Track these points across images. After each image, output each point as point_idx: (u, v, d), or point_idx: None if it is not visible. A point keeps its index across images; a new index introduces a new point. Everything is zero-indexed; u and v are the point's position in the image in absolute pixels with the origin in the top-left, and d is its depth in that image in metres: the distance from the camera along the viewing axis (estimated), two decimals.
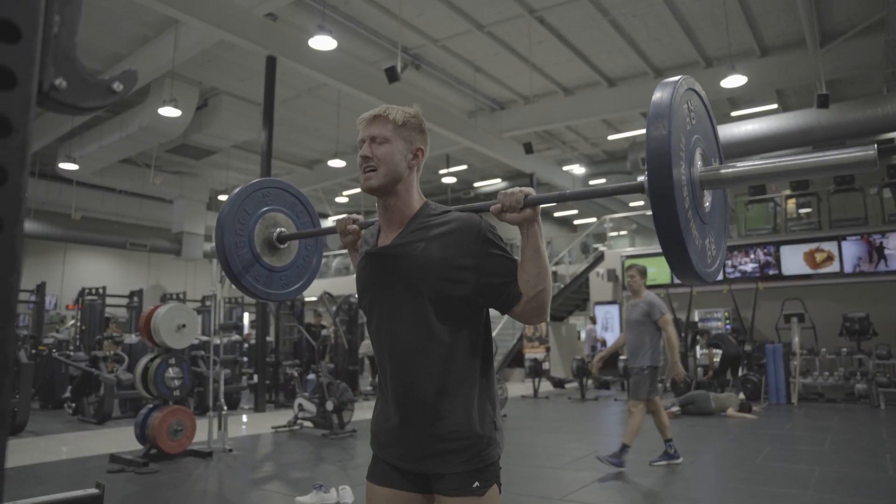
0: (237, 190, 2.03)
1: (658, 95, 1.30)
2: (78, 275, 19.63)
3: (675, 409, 8.81)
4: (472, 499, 1.50)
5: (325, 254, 19.94)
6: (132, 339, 9.53)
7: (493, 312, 1.66)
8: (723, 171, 1.37)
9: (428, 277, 1.51)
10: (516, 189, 1.50)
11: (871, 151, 1.21)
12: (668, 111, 1.26)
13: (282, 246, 2.08)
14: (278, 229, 2.07)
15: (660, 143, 1.25)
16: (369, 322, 1.65)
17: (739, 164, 1.36)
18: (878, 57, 10.66)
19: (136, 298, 12.46)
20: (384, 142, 1.57)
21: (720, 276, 9.52)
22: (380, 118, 1.59)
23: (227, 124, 13.11)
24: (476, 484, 1.51)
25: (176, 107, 10.88)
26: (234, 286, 2.03)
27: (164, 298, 13.62)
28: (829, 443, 6.51)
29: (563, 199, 1.57)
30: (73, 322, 13.84)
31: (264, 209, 2.06)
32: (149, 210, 19.73)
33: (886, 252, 11.45)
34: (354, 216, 1.85)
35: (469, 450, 1.51)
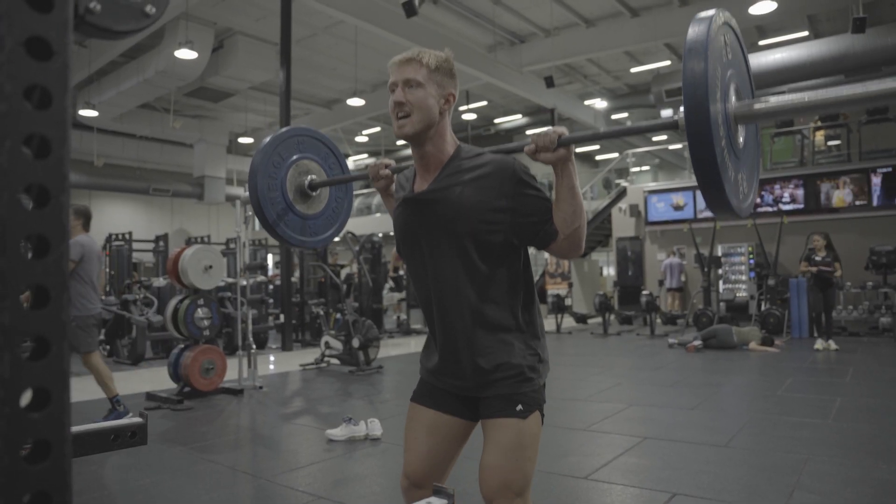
0: (272, 135, 2.05)
1: (694, 30, 1.28)
2: (104, 222, 19.93)
3: (698, 342, 8.86)
4: (514, 420, 1.58)
5: None
6: (160, 282, 9.74)
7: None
8: (756, 105, 1.35)
9: (465, 220, 1.55)
10: (549, 129, 1.50)
11: None
12: (705, 45, 1.24)
13: (313, 193, 2.10)
14: (310, 176, 2.10)
15: (697, 78, 1.22)
16: (409, 265, 1.70)
17: (773, 98, 1.33)
18: None
19: (161, 243, 12.67)
20: (417, 86, 1.57)
21: None
22: (413, 61, 1.58)
23: (243, 65, 12.97)
24: (519, 407, 1.58)
25: (192, 49, 10.77)
26: (268, 234, 2.07)
27: (189, 242, 13.82)
28: (851, 375, 6.53)
29: (598, 138, 1.57)
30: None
31: (297, 156, 2.08)
32: (170, 155, 19.81)
33: None
34: (386, 161, 1.86)
35: (513, 378, 1.59)
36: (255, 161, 1.99)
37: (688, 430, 4.42)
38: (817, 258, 8.30)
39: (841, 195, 11.83)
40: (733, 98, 1.37)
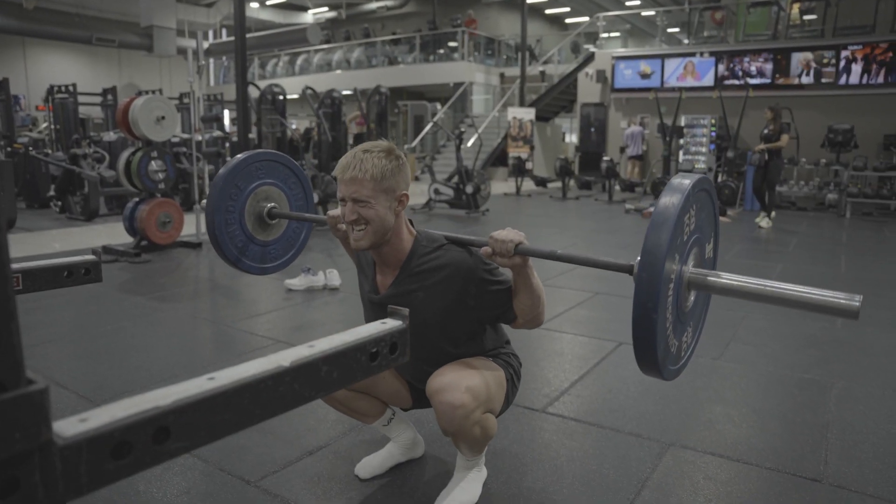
0: (228, 167, 1.93)
1: (665, 201, 1.27)
2: (43, 74, 18.74)
3: (653, 209, 9.06)
4: (482, 357, 1.74)
5: (307, 49, 18.99)
6: (111, 136, 9.33)
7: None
8: (710, 278, 1.36)
9: (430, 325, 1.66)
10: (507, 236, 1.50)
11: (854, 303, 1.20)
12: (674, 218, 1.24)
13: (272, 222, 2.05)
14: (270, 204, 2.02)
15: (658, 247, 1.23)
16: None
17: (725, 276, 1.34)
18: None
19: (109, 96, 12.00)
20: (366, 202, 1.55)
21: (711, 82, 9.17)
22: (357, 181, 1.54)
23: None
24: (489, 355, 1.77)
25: None
26: (231, 266, 2.02)
27: (140, 95, 13.14)
28: (794, 245, 6.84)
29: (554, 258, 1.54)
30: (45, 124, 13.45)
31: (255, 184, 1.99)
32: (112, 1, 18.29)
33: (889, 64, 11.09)
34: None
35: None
36: (211, 197, 1.91)
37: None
38: (765, 131, 8.19)
39: (805, 70, 11.75)
40: (691, 263, 1.37)
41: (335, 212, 1.79)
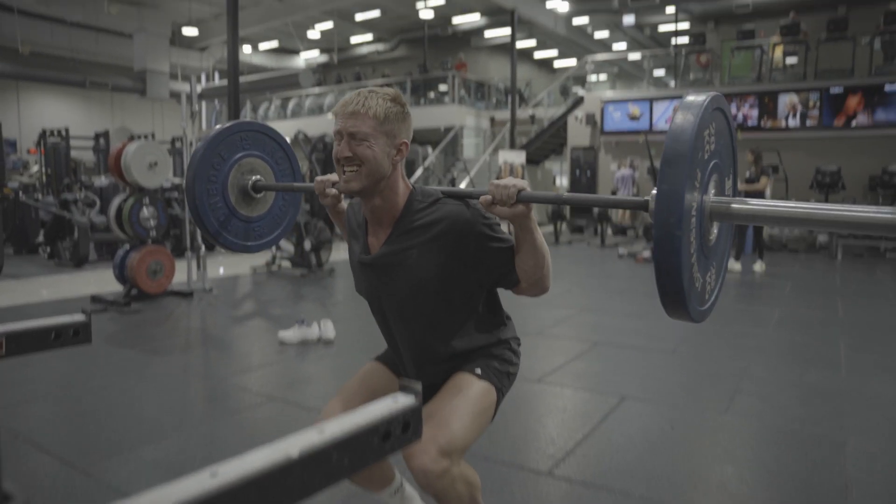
0: (211, 134, 1.85)
1: (680, 119, 1.14)
2: (36, 117, 18.76)
3: (647, 253, 9.07)
4: (468, 375, 1.56)
5: (299, 92, 19.17)
6: (102, 181, 9.29)
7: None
8: (734, 205, 1.24)
9: (428, 284, 1.51)
10: (509, 181, 1.38)
11: None
12: (690, 142, 1.11)
13: (257, 195, 1.94)
14: (254, 177, 1.92)
15: (674, 184, 1.11)
16: (374, 316, 1.67)
17: (752, 201, 1.23)
18: None
19: (102, 140, 12.02)
20: (364, 140, 1.43)
21: None
22: (359, 115, 1.43)
23: None
24: (478, 370, 1.57)
25: None
26: (210, 241, 1.91)
27: (132, 140, 13.16)
28: (789, 289, 6.82)
29: (561, 202, 1.45)
30: (37, 168, 13.41)
31: (240, 154, 1.89)
32: (107, 45, 18.42)
33: (869, 107, 11.31)
34: (333, 179, 1.70)
35: (481, 358, 1.62)
36: (192, 163, 1.81)
37: (636, 336, 4.56)
38: (747, 174, 8.24)
39: (791, 112, 11.96)
40: (712, 192, 1.26)
41: (324, 177, 1.71)
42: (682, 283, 1.15)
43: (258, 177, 1.93)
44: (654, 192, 1.16)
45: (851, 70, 12.04)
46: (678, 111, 1.17)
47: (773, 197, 10.59)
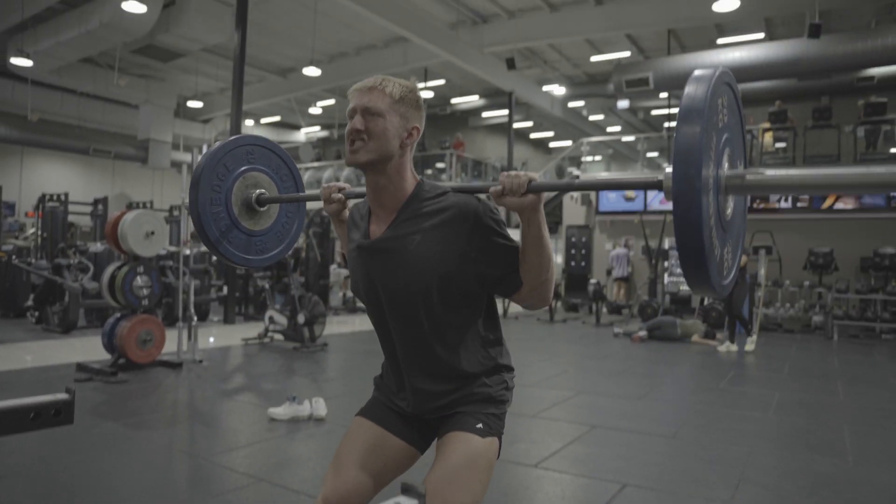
0: (217, 144, 1.86)
1: (691, 90, 1.17)
2: (37, 181, 18.95)
3: (643, 333, 9.00)
4: (471, 435, 1.47)
5: (299, 166, 19.55)
6: (97, 247, 9.27)
7: None
8: (749, 177, 1.25)
9: (427, 274, 1.45)
10: (520, 172, 1.38)
11: None
12: (702, 110, 1.13)
13: (261, 209, 1.92)
14: (258, 191, 1.91)
15: (691, 144, 1.11)
16: (369, 310, 1.60)
17: (769, 171, 1.24)
18: None
19: (100, 206, 12.08)
20: (377, 115, 1.44)
21: None
22: (375, 90, 1.46)
23: (196, 25, 12.35)
24: (479, 425, 1.49)
25: (141, 1, 10.18)
26: (210, 251, 1.88)
27: (131, 207, 13.24)
28: (787, 370, 6.74)
29: (572, 189, 1.45)
30: (33, 230, 13.43)
31: (245, 167, 1.89)
32: (113, 115, 18.85)
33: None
34: (340, 184, 1.71)
35: (479, 406, 1.53)
36: (196, 173, 1.80)
37: (635, 420, 4.44)
38: None
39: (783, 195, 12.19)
40: (726, 165, 1.26)
41: (330, 183, 1.69)
42: (703, 239, 1.13)
43: (262, 190, 1.92)
44: (667, 168, 1.17)
45: (838, 156, 12.38)
46: (689, 82, 1.18)
47: (768, 277, 10.65)
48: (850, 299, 10.40)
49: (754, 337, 8.39)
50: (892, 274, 10.36)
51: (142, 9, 10.52)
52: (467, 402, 1.52)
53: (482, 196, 1.50)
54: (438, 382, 1.52)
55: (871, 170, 1.13)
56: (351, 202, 1.71)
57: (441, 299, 1.47)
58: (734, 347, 8.05)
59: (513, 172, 1.37)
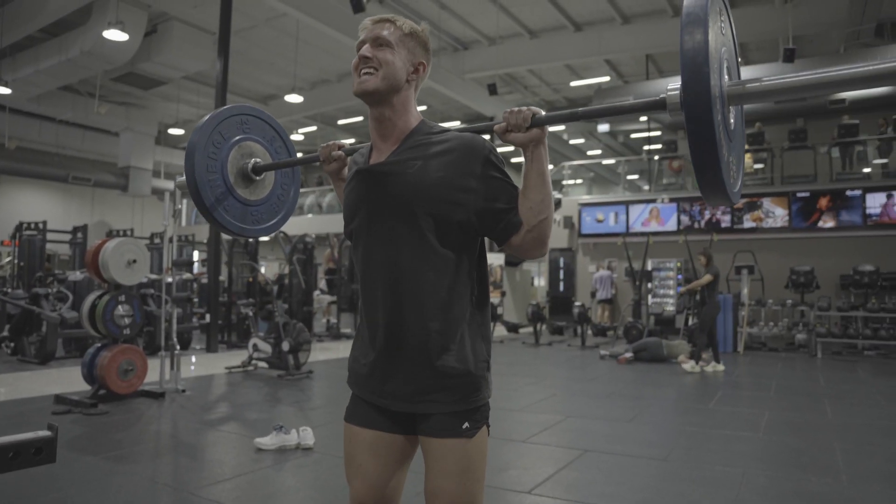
0: (212, 113, 1.85)
1: (691, 2, 1.19)
2: (14, 209, 18.68)
3: (629, 354, 9.00)
4: (460, 441, 1.42)
5: None
6: (77, 276, 9.11)
7: None
8: (750, 85, 1.26)
9: (425, 197, 1.40)
10: (523, 107, 1.38)
11: None
12: (705, 13, 1.15)
13: (257, 178, 1.91)
14: (254, 160, 1.91)
15: (697, 48, 1.13)
16: (356, 247, 1.53)
17: (766, 78, 1.26)
18: (843, 14, 10.70)
19: (79, 234, 11.92)
20: (387, 45, 1.46)
21: (675, 227, 9.62)
22: (387, 22, 1.48)
23: (177, 53, 12.38)
24: (466, 425, 1.43)
25: (122, 30, 10.17)
26: (204, 218, 1.86)
27: (111, 235, 13.08)
28: (774, 389, 6.75)
29: (576, 118, 1.44)
30: (9, 259, 13.20)
31: (240, 137, 1.89)
32: (92, 142, 18.72)
33: (833, 209, 11.75)
34: (340, 142, 1.71)
35: (461, 389, 1.43)
36: (193, 139, 1.79)
37: (626, 443, 4.41)
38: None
39: (760, 214, 12.36)
40: (726, 77, 1.28)
41: (330, 142, 1.69)
42: (717, 145, 1.14)
43: (258, 159, 1.91)
44: (670, 86, 1.22)
45: (815, 176, 12.62)
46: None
47: (751, 296, 10.75)
48: (831, 317, 10.52)
49: (703, 359, 8.26)
50: (872, 291, 10.50)
51: (123, 37, 10.52)
52: (446, 390, 1.42)
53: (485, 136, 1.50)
54: (425, 320, 1.41)
55: (863, 65, 1.15)
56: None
57: (435, 227, 1.41)
58: (721, 367, 8.07)
59: (515, 108, 1.38)
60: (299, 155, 2.05)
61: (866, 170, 12.74)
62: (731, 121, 1.32)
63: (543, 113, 1.36)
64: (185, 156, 1.80)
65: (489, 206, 1.42)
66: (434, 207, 1.40)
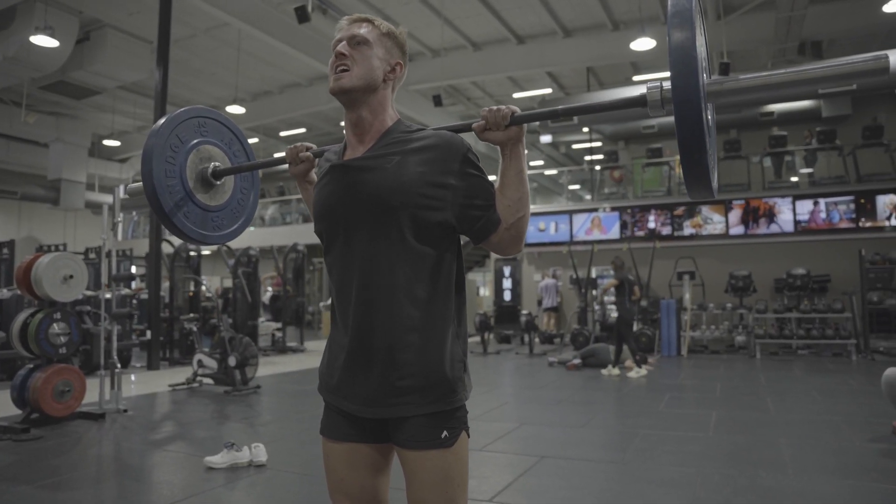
0: (169, 115, 1.78)
1: None
2: None
3: (577, 361, 9.12)
4: (440, 452, 1.36)
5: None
6: (4, 294, 8.62)
7: None
8: (727, 83, 1.28)
9: (402, 194, 1.36)
10: (502, 106, 1.38)
11: (882, 59, 1.15)
12: (691, 11, 1.17)
13: (217, 182, 1.84)
14: (213, 163, 1.84)
15: (688, 45, 1.15)
16: (329, 248, 1.48)
17: (743, 75, 1.29)
18: (770, 33, 11.22)
19: (5, 250, 11.29)
20: (364, 43, 1.43)
21: (618, 235, 9.88)
22: (364, 21, 1.47)
23: (112, 62, 11.92)
24: (444, 434, 1.37)
25: (51, 36, 9.73)
26: (164, 226, 1.77)
27: (41, 250, 12.45)
28: (719, 390, 6.96)
29: (555, 116, 1.43)
30: None
31: (198, 140, 1.82)
32: (19, 153, 17.78)
33: (766, 216, 12.28)
34: (307, 144, 1.66)
35: (435, 390, 1.37)
36: (150, 143, 1.71)
37: (582, 447, 4.44)
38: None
39: (699, 221, 12.80)
40: (704, 74, 1.29)
41: (297, 144, 1.63)
42: (705, 141, 1.16)
43: (218, 163, 1.85)
44: (649, 84, 1.26)
45: (748, 184, 13.15)
46: None
47: (693, 301, 11.08)
48: (768, 319, 10.95)
49: (643, 370, 8.46)
50: (804, 293, 10.98)
51: (53, 43, 10.08)
52: (420, 391, 1.37)
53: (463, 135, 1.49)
54: (400, 321, 1.37)
55: (832, 62, 1.20)
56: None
57: (413, 223, 1.37)
58: (643, 371, 8.26)
59: (494, 107, 1.38)
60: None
61: (794, 179, 13.37)
62: (709, 117, 1.34)
63: (520, 111, 1.36)
64: (141, 160, 1.71)
65: (468, 203, 1.40)
66: (412, 202, 1.36)
